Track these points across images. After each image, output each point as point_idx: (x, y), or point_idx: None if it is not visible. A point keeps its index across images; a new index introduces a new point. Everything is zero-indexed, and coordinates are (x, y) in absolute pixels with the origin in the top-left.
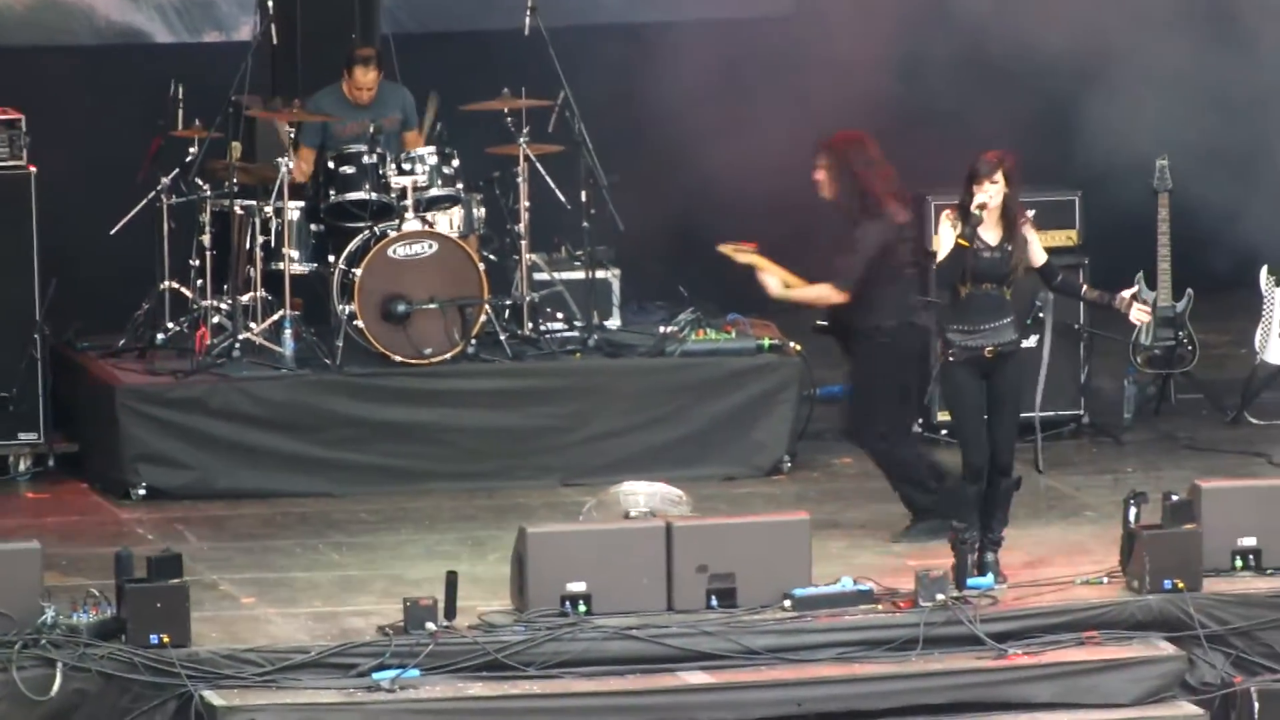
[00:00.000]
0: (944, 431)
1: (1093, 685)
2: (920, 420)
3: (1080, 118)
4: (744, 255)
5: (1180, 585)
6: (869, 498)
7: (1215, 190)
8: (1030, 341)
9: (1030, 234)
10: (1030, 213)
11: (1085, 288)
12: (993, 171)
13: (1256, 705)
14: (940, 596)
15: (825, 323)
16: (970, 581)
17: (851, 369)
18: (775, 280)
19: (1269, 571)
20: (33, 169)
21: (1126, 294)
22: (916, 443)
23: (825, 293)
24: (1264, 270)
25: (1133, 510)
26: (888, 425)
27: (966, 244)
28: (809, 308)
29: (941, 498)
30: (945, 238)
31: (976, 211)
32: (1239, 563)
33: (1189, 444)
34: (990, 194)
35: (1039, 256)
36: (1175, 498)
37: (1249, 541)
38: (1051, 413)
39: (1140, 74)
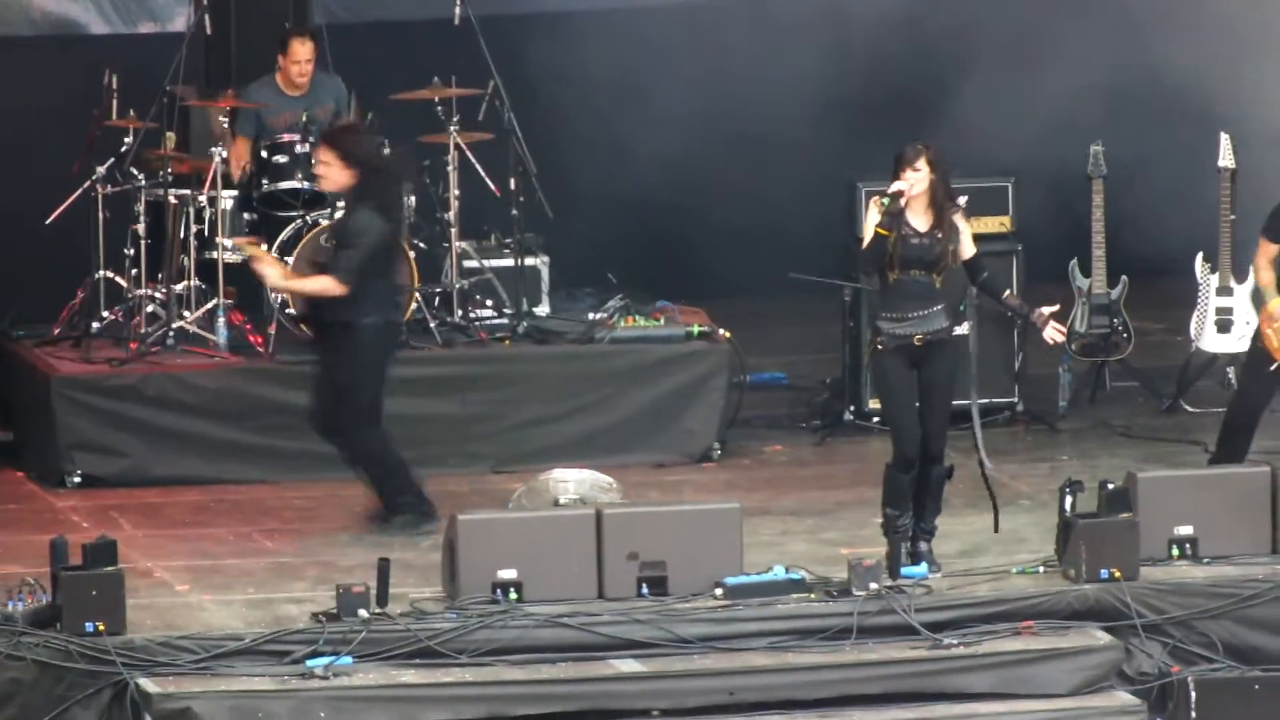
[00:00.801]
0: (875, 420)
1: (1029, 675)
2: (851, 408)
3: (1014, 102)
4: (250, 248)
5: (1117, 574)
6: (801, 485)
7: (1149, 176)
8: (963, 329)
9: (962, 224)
10: (963, 200)
11: (1008, 293)
12: (916, 158)
13: (1194, 695)
14: (874, 586)
15: (302, 313)
16: (904, 571)
17: (332, 363)
18: (274, 272)
19: (1206, 560)
20: None
21: (1046, 310)
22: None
23: (326, 285)
24: (1199, 257)
25: (1069, 499)
26: (371, 420)
27: (886, 232)
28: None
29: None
30: (871, 224)
31: (885, 199)
32: (1175, 551)
33: (1125, 432)
34: (913, 181)
35: (967, 249)
36: (1111, 486)
37: (1185, 530)
38: (986, 400)
39: (1072, 58)
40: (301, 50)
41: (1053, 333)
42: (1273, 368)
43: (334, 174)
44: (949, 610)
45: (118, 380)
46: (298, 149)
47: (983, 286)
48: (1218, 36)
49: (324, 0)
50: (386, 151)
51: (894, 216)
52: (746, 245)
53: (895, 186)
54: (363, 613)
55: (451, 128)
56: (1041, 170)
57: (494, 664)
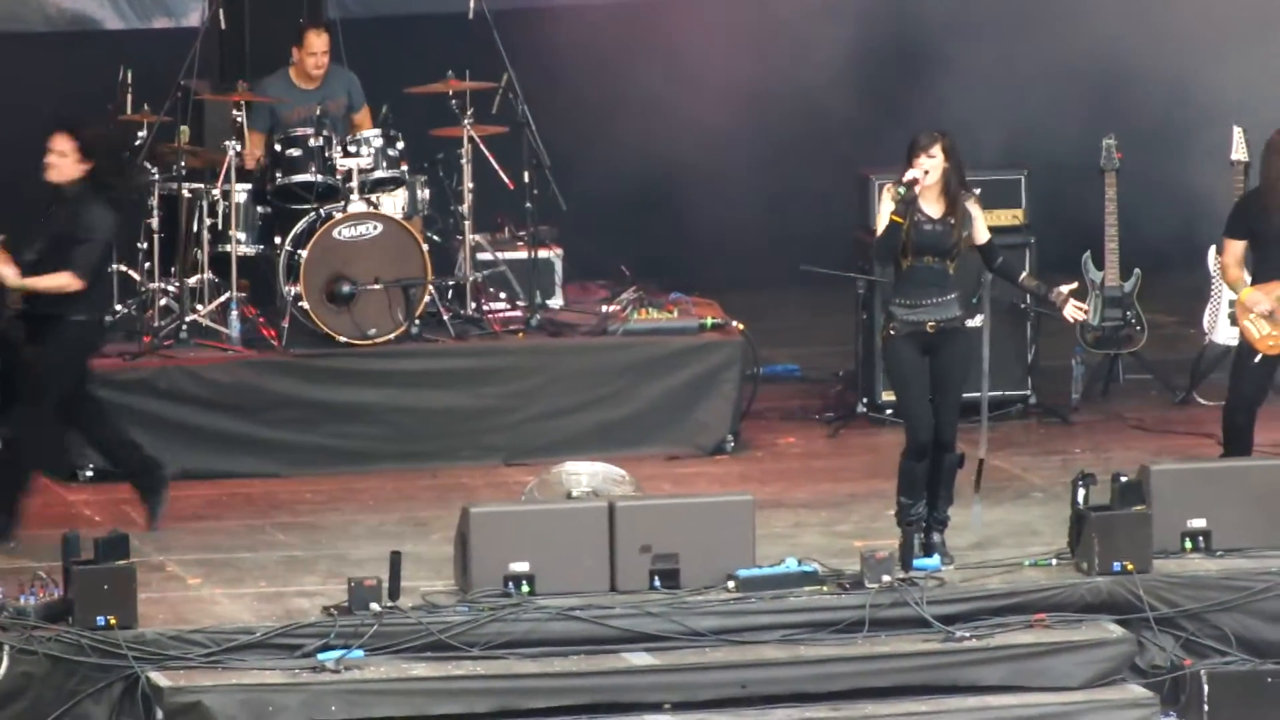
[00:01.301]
0: (889, 412)
1: (1042, 668)
2: (864, 400)
3: (1025, 94)
4: None
5: (1129, 567)
6: (814, 477)
7: (1162, 169)
8: (976, 321)
9: (975, 210)
10: (975, 191)
11: (1025, 275)
12: (930, 145)
13: (1206, 688)
14: (886, 578)
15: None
16: (917, 563)
17: (41, 353)
18: (11, 271)
19: (1218, 553)
20: None
21: (1065, 289)
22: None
23: (65, 281)
24: (1211, 250)
25: (1081, 491)
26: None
27: (900, 219)
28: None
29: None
30: (885, 214)
31: (902, 188)
32: (1188, 544)
33: (1138, 425)
34: (928, 168)
35: (982, 234)
36: (1124, 479)
37: (1198, 523)
38: (999, 393)
39: (1077, 50)
40: (317, 43)
41: (1074, 310)
42: (1257, 359)
43: (67, 165)
44: (961, 603)
45: (131, 374)
46: (311, 142)
47: (999, 271)
48: (1223, 29)
49: None
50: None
51: (908, 204)
52: (759, 237)
53: (910, 174)
54: (374, 606)
55: (465, 121)
56: (1048, 163)
57: (506, 657)
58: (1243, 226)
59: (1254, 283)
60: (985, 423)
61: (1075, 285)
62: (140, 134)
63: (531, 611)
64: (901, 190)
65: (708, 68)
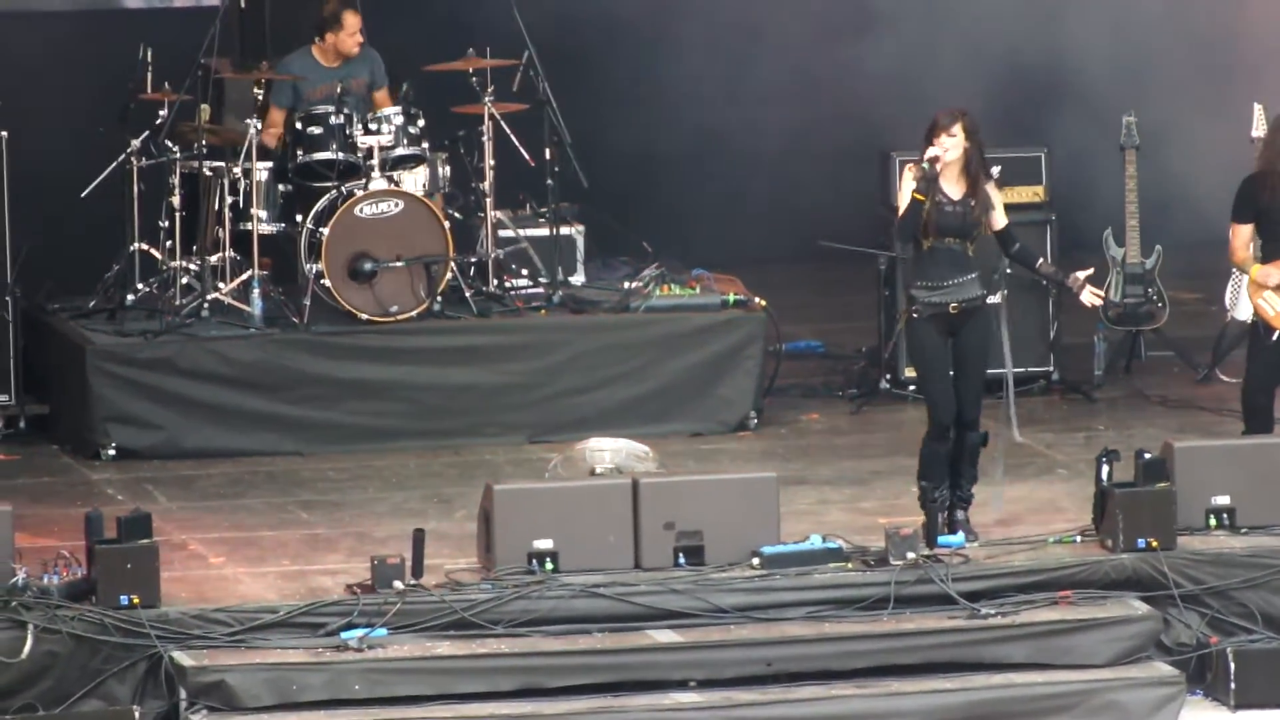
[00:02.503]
0: (911, 388)
1: (1067, 646)
2: (887, 376)
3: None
4: None
5: (1154, 544)
6: (837, 454)
7: (1182, 146)
8: (997, 298)
9: (994, 194)
10: (996, 169)
11: (1042, 261)
12: (951, 124)
13: (1232, 665)
14: (911, 555)
15: None
16: (941, 540)
17: None
18: None
19: (1243, 530)
20: (4, 134)
21: (1081, 275)
22: None
23: None
24: None
25: (1105, 468)
26: None
27: (922, 198)
28: None
29: None
30: (906, 192)
31: (926, 165)
32: (1213, 521)
33: (1160, 401)
34: (948, 147)
35: (999, 220)
36: (1148, 456)
37: (1223, 500)
38: (1021, 369)
39: (1109, 26)
40: (354, 23)
41: (1090, 296)
42: (1275, 337)
43: None
44: (986, 580)
45: (152, 352)
46: (332, 120)
47: (1015, 257)
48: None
49: None
50: None
51: (930, 182)
52: (780, 213)
53: (931, 152)
54: (398, 584)
55: (486, 98)
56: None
57: (530, 635)
58: (1250, 209)
59: (1263, 261)
60: (1014, 412)
61: (1091, 270)
62: (161, 112)
63: (555, 589)
64: (925, 168)
65: (727, 43)
